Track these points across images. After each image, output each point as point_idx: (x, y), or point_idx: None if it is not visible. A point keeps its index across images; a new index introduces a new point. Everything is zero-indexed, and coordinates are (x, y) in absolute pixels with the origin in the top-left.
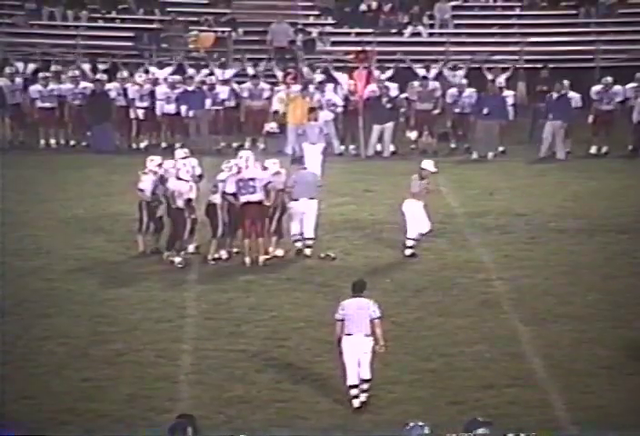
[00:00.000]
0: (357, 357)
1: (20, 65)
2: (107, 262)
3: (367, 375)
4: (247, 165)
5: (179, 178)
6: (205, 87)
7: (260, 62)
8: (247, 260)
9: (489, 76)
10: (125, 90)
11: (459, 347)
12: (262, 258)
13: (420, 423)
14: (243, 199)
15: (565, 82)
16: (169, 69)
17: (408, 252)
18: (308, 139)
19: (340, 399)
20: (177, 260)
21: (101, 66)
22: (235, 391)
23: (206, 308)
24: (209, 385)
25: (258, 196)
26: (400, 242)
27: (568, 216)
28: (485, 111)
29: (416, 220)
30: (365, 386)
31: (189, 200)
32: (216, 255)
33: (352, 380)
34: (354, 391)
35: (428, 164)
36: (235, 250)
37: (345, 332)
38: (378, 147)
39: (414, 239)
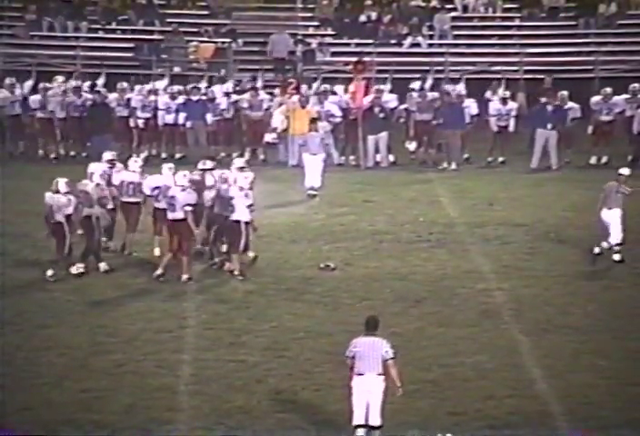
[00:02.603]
0: (366, 398)
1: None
2: (107, 273)
3: (377, 422)
4: (175, 181)
5: (57, 191)
6: (205, 98)
7: (259, 73)
8: (159, 271)
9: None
10: (128, 99)
11: (459, 357)
12: (184, 277)
13: None
14: (169, 216)
15: (564, 92)
16: (166, 80)
17: (617, 257)
18: (309, 149)
19: (340, 409)
20: (49, 273)
21: (100, 81)
22: (234, 401)
23: (206, 318)
24: (209, 395)
25: (178, 215)
26: (400, 252)
27: (568, 226)
28: (441, 120)
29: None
30: (376, 434)
31: (69, 215)
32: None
33: (358, 420)
34: (359, 432)
35: (626, 170)
36: (215, 260)
37: (356, 372)
38: (378, 158)
39: (619, 244)
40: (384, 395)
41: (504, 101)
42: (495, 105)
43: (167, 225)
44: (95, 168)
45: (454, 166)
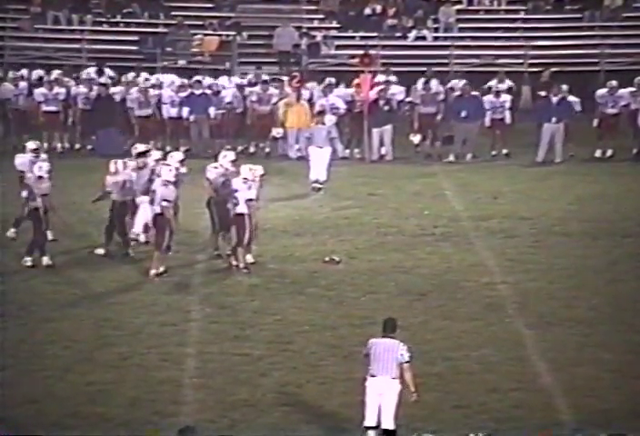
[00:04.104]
0: (379, 400)
1: (25, 72)
2: (112, 266)
3: (391, 425)
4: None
5: None
6: (209, 92)
7: (263, 66)
8: (162, 268)
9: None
10: (124, 98)
11: (463, 351)
12: (152, 272)
13: None
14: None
15: (564, 86)
16: (172, 75)
17: None
18: (315, 142)
19: (345, 402)
20: None
21: (108, 71)
22: (239, 394)
23: (211, 312)
24: (213, 389)
25: (155, 209)
26: (404, 246)
27: (572, 220)
28: (464, 114)
29: None
30: None
31: None
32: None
33: (370, 421)
34: (370, 434)
35: None
36: (216, 252)
37: (370, 373)
38: (382, 151)
39: None
40: (397, 398)
41: (497, 94)
42: (488, 99)
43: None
44: (23, 160)
45: (469, 157)
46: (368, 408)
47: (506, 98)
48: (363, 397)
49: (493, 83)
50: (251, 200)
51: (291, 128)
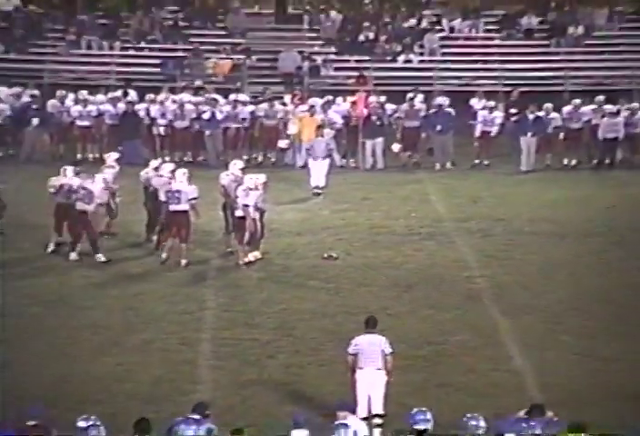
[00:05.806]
0: (368, 390)
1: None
2: (137, 261)
3: (380, 410)
4: (174, 177)
5: None
6: (221, 107)
7: (269, 86)
8: (164, 255)
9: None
10: (148, 109)
11: (446, 336)
12: (183, 261)
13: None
14: (170, 208)
15: (549, 105)
16: (187, 95)
17: None
18: (315, 153)
19: (342, 381)
20: None
21: (132, 91)
22: (249, 374)
23: (224, 301)
24: (226, 369)
25: (183, 206)
26: (394, 244)
27: (542, 221)
28: (439, 128)
29: None
30: (379, 421)
31: None
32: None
33: (362, 412)
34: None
35: None
36: (228, 249)
37: (358, 366)
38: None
39: None
40: (385, 389)
41: (490, 110)
42: (482, 113)
43: (168, 216)
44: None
45: (449, 165)
46: (359, 398)
47: (498, 114)
48: (353, 390)
49: (474, 101)
50: (247, 206)
51: (303, 141)
